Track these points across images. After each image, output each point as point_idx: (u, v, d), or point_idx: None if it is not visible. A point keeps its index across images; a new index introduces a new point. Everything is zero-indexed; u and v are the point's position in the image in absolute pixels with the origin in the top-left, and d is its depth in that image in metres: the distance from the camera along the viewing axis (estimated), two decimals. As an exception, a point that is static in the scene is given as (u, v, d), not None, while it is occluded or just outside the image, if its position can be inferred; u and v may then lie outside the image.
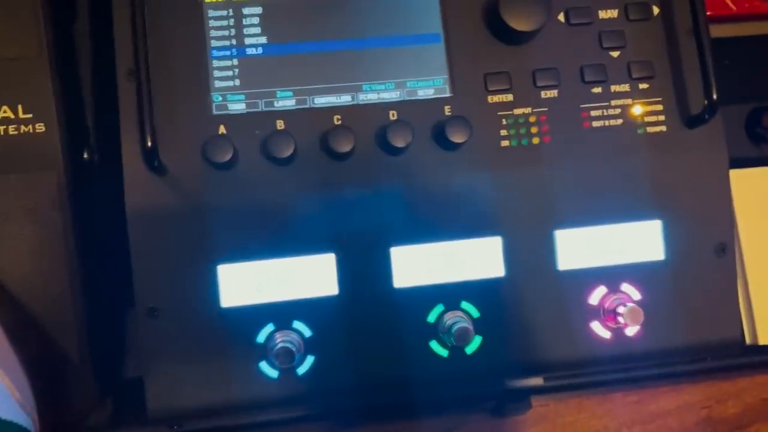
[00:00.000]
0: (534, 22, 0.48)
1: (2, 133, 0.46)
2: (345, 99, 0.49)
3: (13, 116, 0.46)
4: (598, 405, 0.58)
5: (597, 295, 0.50)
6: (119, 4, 0.48)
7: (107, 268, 0.51)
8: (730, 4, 0.56)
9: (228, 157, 0.46)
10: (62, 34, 0.49)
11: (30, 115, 0.46)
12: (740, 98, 0.63)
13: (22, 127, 0.46)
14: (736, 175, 0.54)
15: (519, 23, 0.48)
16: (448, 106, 0.49)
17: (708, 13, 0.55)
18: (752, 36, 0.63)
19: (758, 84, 0.64)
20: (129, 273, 0.47)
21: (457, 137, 0.48)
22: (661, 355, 0.51)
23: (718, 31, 0.60)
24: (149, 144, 0.44)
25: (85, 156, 0.50)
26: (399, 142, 0.47)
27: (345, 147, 0.47)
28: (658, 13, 0.52)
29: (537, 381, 0.54)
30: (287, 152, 0.46)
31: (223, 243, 0.47)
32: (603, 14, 0.51)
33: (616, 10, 0.51)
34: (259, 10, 0.50)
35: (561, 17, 0.51)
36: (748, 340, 0.54)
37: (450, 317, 0.48)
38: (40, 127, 0.46)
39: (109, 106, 0.48)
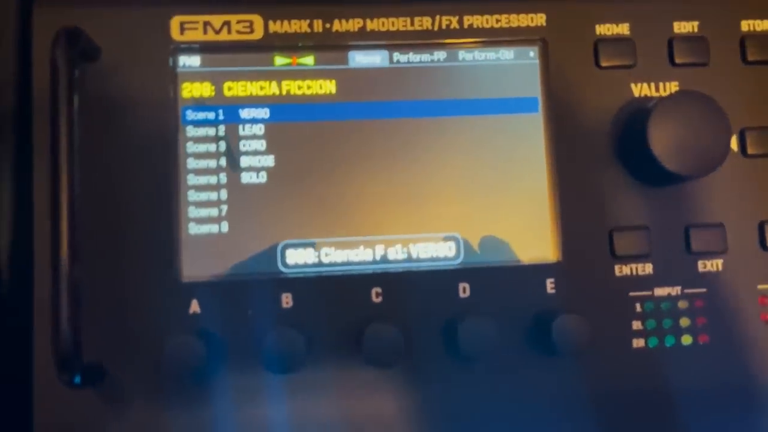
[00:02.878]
0: (703, 163, 0.30)
1: None
2: (390, 260, 0.32)
3: None
4: None
5: None
6: (40, 91, 0.31)
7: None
8: None
9: (198, 362, 0.28)
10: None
11: None
12: None
13: None
14: None
15: (678, 162, 0.30)
16: (552, 281, 0.32)
17: None
18: None
19: None
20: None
21: (567, 339, 0.30)
22: None
23: None
24: (66, 344, 0.26)
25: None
26: (474, 345, 0.30)
27: (388, 349, 0.29)
28: None
29: None
30: (295, 353, 0.29)
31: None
32: None
33: (819, 136, 0.33)
34: (265, 112, 0.32)
35: (733, 143, 0.33)
36: None
37: None
38: None
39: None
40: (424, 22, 0.33)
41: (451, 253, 0.32)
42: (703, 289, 0.33)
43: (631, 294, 0.33)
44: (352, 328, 0.31)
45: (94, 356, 0.29)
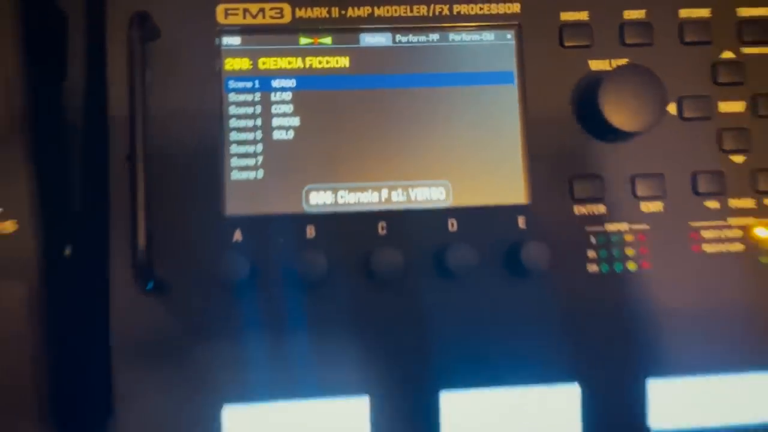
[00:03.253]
0: (641, 120, 0.38)
1: (-39, 232, 0.36)
2: (393, 201, 0.39)
3: (-25, 210, 0.36)
4: None
5: (698, 465, 0.40)
6: (114, 65, 0.39)
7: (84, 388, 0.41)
8: None
9: (243, 275, 0.36)
10: (45, 98, 0.40)
11: (-2, 210, 0.36)
12: None
13: (-13, 225, 0.36)
14: None
15: (621, 120, 0.38)
16: (523, 218, 0.39)
17: None
18: None
19: None
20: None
21: (531, 260, 0.37)
22: None
23: None
24: (143, 256, 0.34)
25: (67, 253, 0.40)
26: (459, 266, 0.37)
27: (389, 267, 0.37)
28: (796, 109, 0.41)
29: None
30: (318, 271, 0.37)
31: (231, 380, 0.38)
32: (725, 107, 0.41)
33: (743, 103, 0.41)
34: (292, 82, 0.40)
35: (672, 109, 0.40)
36: None
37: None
38: (10, 226, 0.36)
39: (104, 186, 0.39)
40: (421, 9, 0.41)
41: (442, 196, 0.40)
42: (646, 226, 0.40)
43: (587, 228, 0.40)
44: (362, 253, 0.38)
45: (159, 273, 0.36)
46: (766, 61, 0.41)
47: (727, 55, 0.41)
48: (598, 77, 0.39)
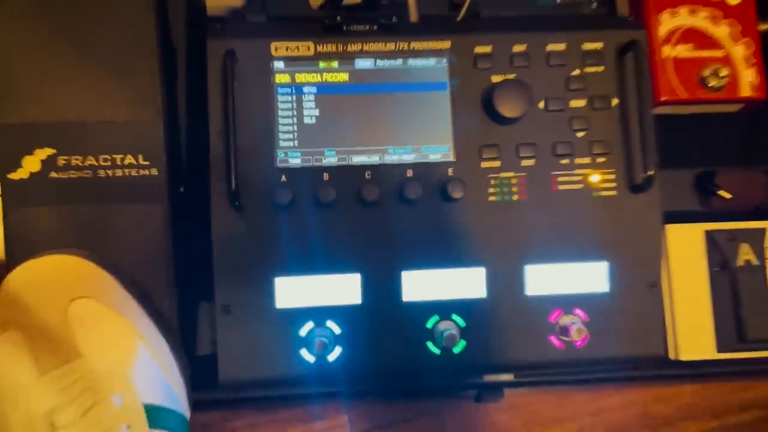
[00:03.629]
0: (518, 111, 0.65)
1: (128, 174, 0.63)
2: (374, 159, 0.66)
3: (135, 162, 0.63)
4: (557, 398, 0.75)
5: (555, 316, 0.66)
6: (213, 80, 0.65)
7: (191, 269, 0.68)
8: (682, 93, 0.72)
9: (288, 200, 0.63)
10: (170, 96, 0.67)
11: (148, 162, 0.63)
12: (689, 163, 0.79)
13: (141, 171, 0.63)
14: (671, 229, 0.70)
15: (507, 111, 0.65)
16: (451, 169, 0.66)
17: (665, 99, 0.71)
18: (701, 113, 0.77)
19: (704, 151, 0.79)
20: (206, 275, 0.64)
21: (455, 193, 0.64)
22: (601, 363, 0.67)
23: (674, 110, 0.76)
24: (233, 188, 0.61)
25: (181, 190, 0.67)
26: (412, 195, 0.64)
27: (372, 197, 0.64)
28: (616, 104, 0.68)
29: (508, 377, 0.71)
30: (330, 199, 0.64)
31: (280, 262, 0.64)
32: (573, 103, 0.67)
33: (584, 101, 0.67)
34: (314, 89, 0.67)
35: (541, 105, 0.67)
36: (672, 356, 0.70)
37: (443, 325, 0.65)
38: (154, 171, 0.64)
39: (198, 149, 0.66)
40: (390, 46, 0.66)
41: (405, 155, 0.67)
42: (524, 174, 0.63)
43: (489, 175, 0.62)
44: (356, 188, 0.63)
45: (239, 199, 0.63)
46: (598, 76, 0.66)
47: (575, 72, 0.64)
48: (495, 86, 0.65)
